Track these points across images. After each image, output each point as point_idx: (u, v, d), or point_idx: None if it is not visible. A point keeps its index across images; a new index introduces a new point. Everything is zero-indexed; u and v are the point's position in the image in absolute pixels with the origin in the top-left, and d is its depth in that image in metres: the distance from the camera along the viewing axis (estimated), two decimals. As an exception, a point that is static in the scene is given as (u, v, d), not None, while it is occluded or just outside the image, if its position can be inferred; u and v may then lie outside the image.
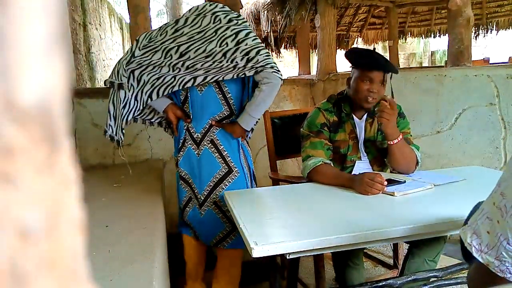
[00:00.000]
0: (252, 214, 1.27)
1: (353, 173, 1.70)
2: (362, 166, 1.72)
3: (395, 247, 1.99)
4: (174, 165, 2.69)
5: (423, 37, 7.79)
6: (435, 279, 1.39)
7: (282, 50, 7.01)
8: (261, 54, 1.51)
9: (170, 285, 1.52)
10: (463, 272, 1.45)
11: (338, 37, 6.76)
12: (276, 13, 4.64)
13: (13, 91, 0.16)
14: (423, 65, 12.01)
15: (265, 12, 5.10)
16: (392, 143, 1.57)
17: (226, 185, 1.66)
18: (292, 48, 7.01)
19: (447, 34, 3.64)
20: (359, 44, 7.78)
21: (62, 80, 0.19)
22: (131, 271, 1.02)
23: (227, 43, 1.53)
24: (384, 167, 1.78)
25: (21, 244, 0.17)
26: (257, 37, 1.57)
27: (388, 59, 1.86)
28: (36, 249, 0.17)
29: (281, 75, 1.54)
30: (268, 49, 6.77)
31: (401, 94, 2.77)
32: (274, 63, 1.53)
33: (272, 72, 1.49)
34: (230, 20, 1.58)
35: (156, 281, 0.99)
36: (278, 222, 1.20)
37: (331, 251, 1.42)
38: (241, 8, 1.76)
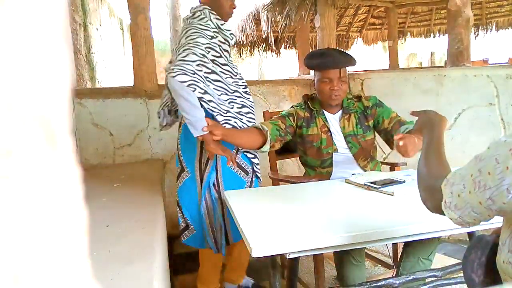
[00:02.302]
0: (252, 214, 1.28)
1: (335, 166, 1.77)
2: (342, 158, 1.78)
3: (394, 247, 1.99)
4: (174, 165, 2.70)
5: (423, 37, 7.78)
6: (434, 278, 1.39)
7: (282, 50, 7.01)
8: (179, 54, 1.54)
9: (170, 285, 1.52)
10: (462, 272, 1.45)
11: (338, 37, 6.76)
12: (276, 13, 4.64)
13: (13, 91, 0.16)
14: (423, 65, 12.00)
15: (265, 12, 5.09)
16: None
17: (179, 183, 1.76)
18: (292, 48, 7.01)
19: (446, 34, 3.64)
20: (359, 44, 7.78)
21: (63, 80, 0.19)
22: (131, 271, 1.02)
23: (176, 43, 1.67)
24: (370, 159, 1.80)
25: (21, 244, 0.17)
26: (192, 34, 1.59)
27: (345, 51, 1.90)
28: (36, 248, 0.17)
29: (174, 74, 1.49)
30: (268, 49, 6.81)
31: (401, 94, 2.77)
32: (180, 61, 1.51)
33: (168, 73, 1.52)
34: (186, 20, 1.70)
35: (156, 281, 0.99)
36: (278, 222, 1.21)
37: (331, 251, 1.42)
38: (233, 8, 1.75)
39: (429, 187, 0.86)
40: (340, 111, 1.81)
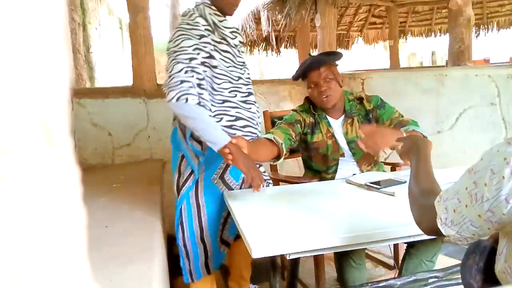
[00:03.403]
0: (252, 214, 1.27)
1: (338, 171, 1.73)
2: (345, 164, 1.73)
3: (395, 248, 1.99)
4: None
5: (424, 36, 7.79)
6: (435, 279, 1.38)
7: (282, 49, 7.01)
8: (166, 70, 1.40)
9: (169, 286, 1.51)
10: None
11: (338, 36, 6.76)
12: (276, 13, 4.64)
13: (13, 91, 0.16)
14: (424, 64, 12.02)
15: (265, 11, 5.09)
16: None
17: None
18: (292, 48, 7.01)
19: (448, 34, 3.64)
20: (360, 43, 7.79)
21: (61, 80, 0.19)
22: (131, 272, 1.02)
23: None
24: (374, 164, 1.77)
25: (20, 244, 0.17)
26: (178, 38, 1.41)
27: (331, 51, 1.86)
28: (35, 249, 0.17)
29: (167, 98, 1.37)
30: (268, 49, 6.81)
31: (402, 94, 2.76)
32: (168, 79, 1.38)
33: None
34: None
35: (155, 282, 0.99)
36: (278, 222, 1.20)
37: (332, 251, 1.42)
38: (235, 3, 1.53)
39: (422, 207, 0.85)
40: (343, 116, 1.74)
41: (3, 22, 0.16)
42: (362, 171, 1.73)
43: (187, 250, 1.55)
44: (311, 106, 1.78)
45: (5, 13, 0.16)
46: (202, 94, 1.41)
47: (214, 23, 1.50)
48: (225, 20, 1.53)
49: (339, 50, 6.19)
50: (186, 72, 1.37)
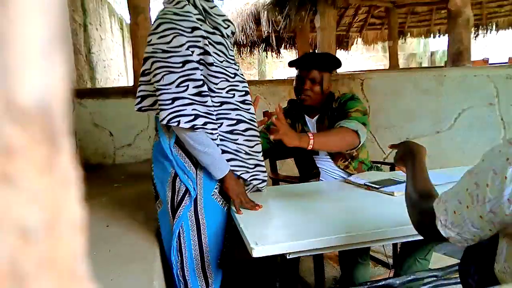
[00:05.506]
0: (252, 214, 1.27)
1: (320, 170, 1.77)
2: (322, 162, 1.79)
3: (395, 247, 1.99)
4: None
5: (423, 37, 7.79)
6: (434, 278, 1.38)
7: (282, 50, 7.01)
8: (155, 74, 1.21)
9: (169, 285, 1.52)
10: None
11: (338, 37, 6.76)
12: (276, 14, 4.64)
13: (13, 91, 0.16)
14: (423, 65, 12.01)
15: (265, 12, 5.10)
16: (310, 148, 1.43)
17: (157, 210, 1.36)
18: (292, 49, 7.01)
19: (447, 34, 3.64)
20: (359, 44, 7.79)
21: (62, 80, 0.19)
22: (131, 271, 1.02)
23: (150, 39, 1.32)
24: (352, 159, 1.79)
25: (21, 244, 0.17)
26: (167, 33, 1.19)
27: (330, 54, 1.86)
28: (36, 249, 0.17)
29: (161, 118, 1.17)
30: (268, 49, 6.81)
31: (401, 94, 2.77)
32: (157, 91, 1.20)
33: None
34: (163, 6, 1.30)
35: (156, 281, 0.99)
36: (278, 222, 1.20)
37: (332, 251, 1.42)
38: None
39: (421, 211, 0.84)
40: (318, 115, 1.80)
41: (3, 21, 0.16)
42: (339, 166, 1.76)
43: (186, 282, 1.32)
44: (292, 106, 1.87)
45: (6, 12, 0.16)
46: (205, 102, 1.20)
47: (204, 9, 1.26)
48: (215, 6, 1.30)
49: (338, 51, 6.20)
50: (178, 85, 1.16)
